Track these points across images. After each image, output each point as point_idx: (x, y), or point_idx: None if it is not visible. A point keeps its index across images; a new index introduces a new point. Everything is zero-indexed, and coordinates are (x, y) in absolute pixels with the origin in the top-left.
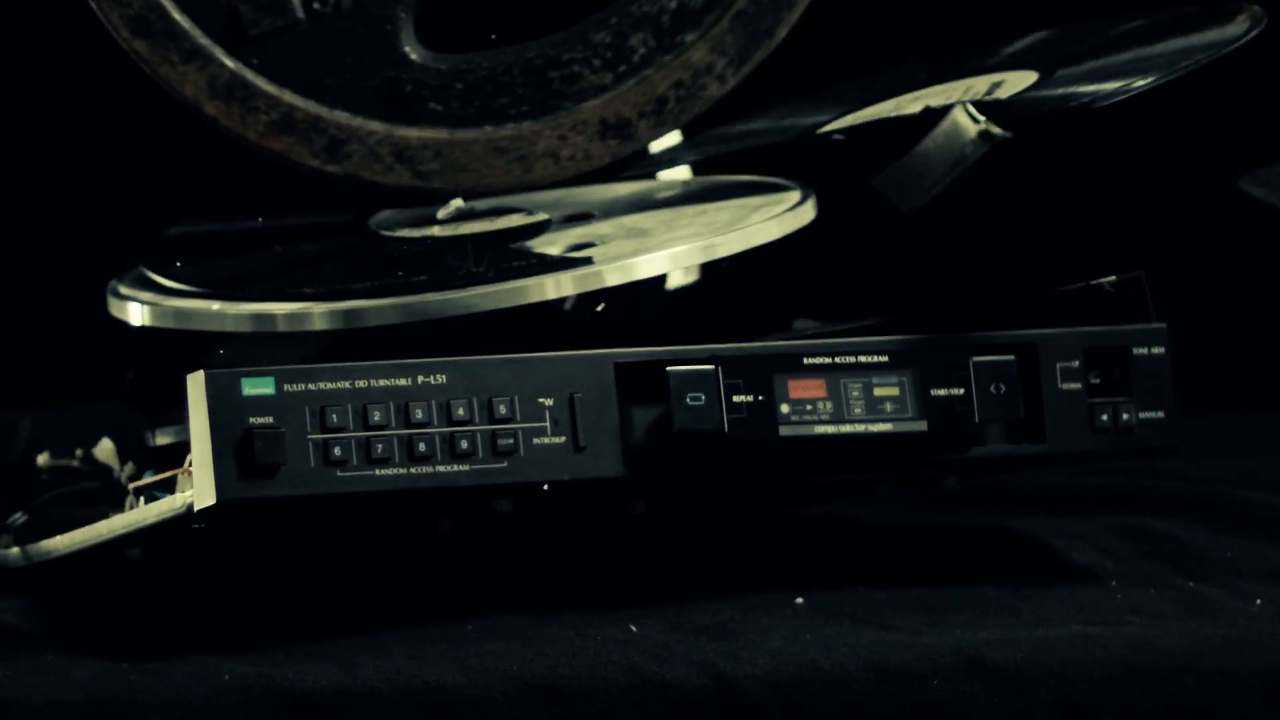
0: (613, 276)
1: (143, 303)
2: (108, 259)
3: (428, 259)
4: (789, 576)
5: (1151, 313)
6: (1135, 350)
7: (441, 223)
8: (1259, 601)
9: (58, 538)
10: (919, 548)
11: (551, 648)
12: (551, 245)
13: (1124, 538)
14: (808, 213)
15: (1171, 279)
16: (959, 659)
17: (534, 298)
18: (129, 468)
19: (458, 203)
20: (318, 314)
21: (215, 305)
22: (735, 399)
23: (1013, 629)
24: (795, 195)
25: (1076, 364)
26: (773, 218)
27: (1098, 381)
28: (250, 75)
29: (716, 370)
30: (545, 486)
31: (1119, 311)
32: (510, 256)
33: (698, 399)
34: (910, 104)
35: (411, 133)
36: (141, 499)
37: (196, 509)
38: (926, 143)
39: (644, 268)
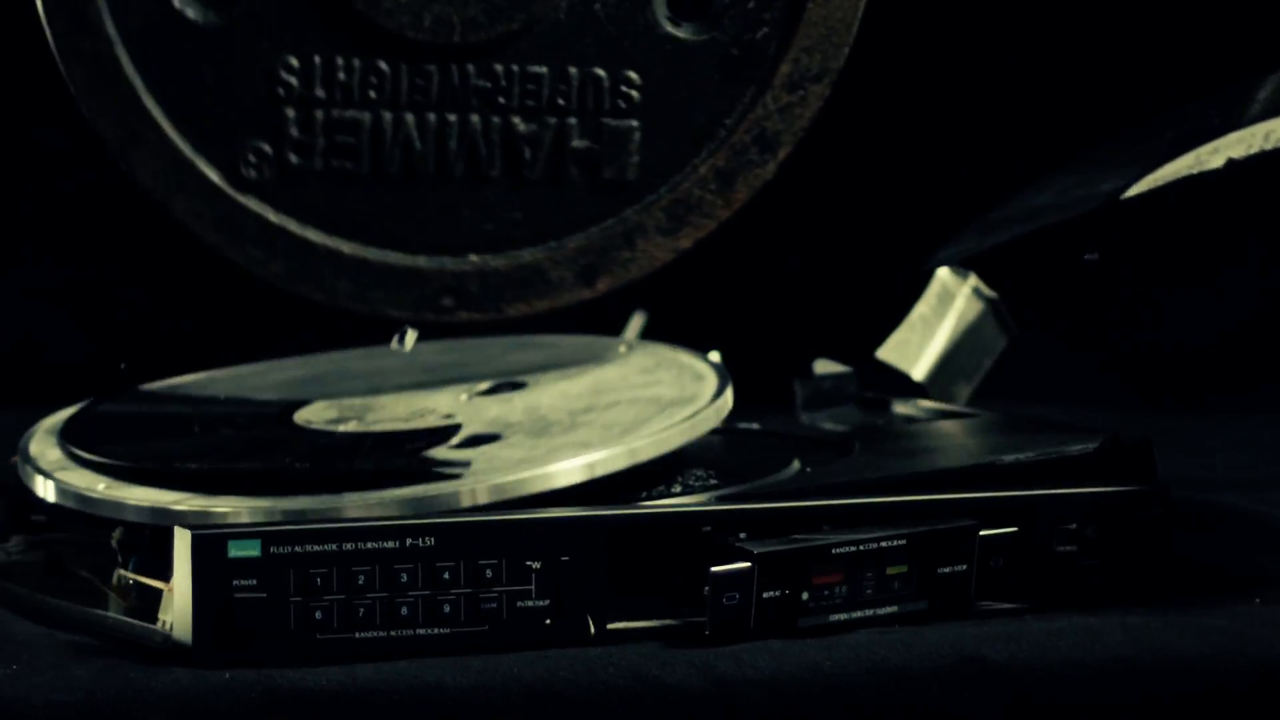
0: (466, 499)
1: (44, 474)
2: (109, 258)
3: (325, 453)
4: None
5: (1157, 474)
6: (1135, 514)
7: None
8: (1258, 600)
9: (42, 596)
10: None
11: (551, 650)
12: (454, 436)
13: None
14: (724, 407)
15: (1171, 279)
16: (959, 661)
17: (384, 513)
18: (119, 531)
19: (411, 335)
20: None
21: (101, 485)
22: (765, 595)
23: (1013, 630)
24: (711, 385)
25: (1074, 526)
26: (675, 425)
27: (1094, 538)
28: (642, 215)
29: (754, 569)
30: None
31: (1124, 469)
32: (401, 452)
33: (733, 598)
34: (1210, 157)
35: (774, 81)
36: (127, 585)
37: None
38: (920, 308)
39: (507, 489)
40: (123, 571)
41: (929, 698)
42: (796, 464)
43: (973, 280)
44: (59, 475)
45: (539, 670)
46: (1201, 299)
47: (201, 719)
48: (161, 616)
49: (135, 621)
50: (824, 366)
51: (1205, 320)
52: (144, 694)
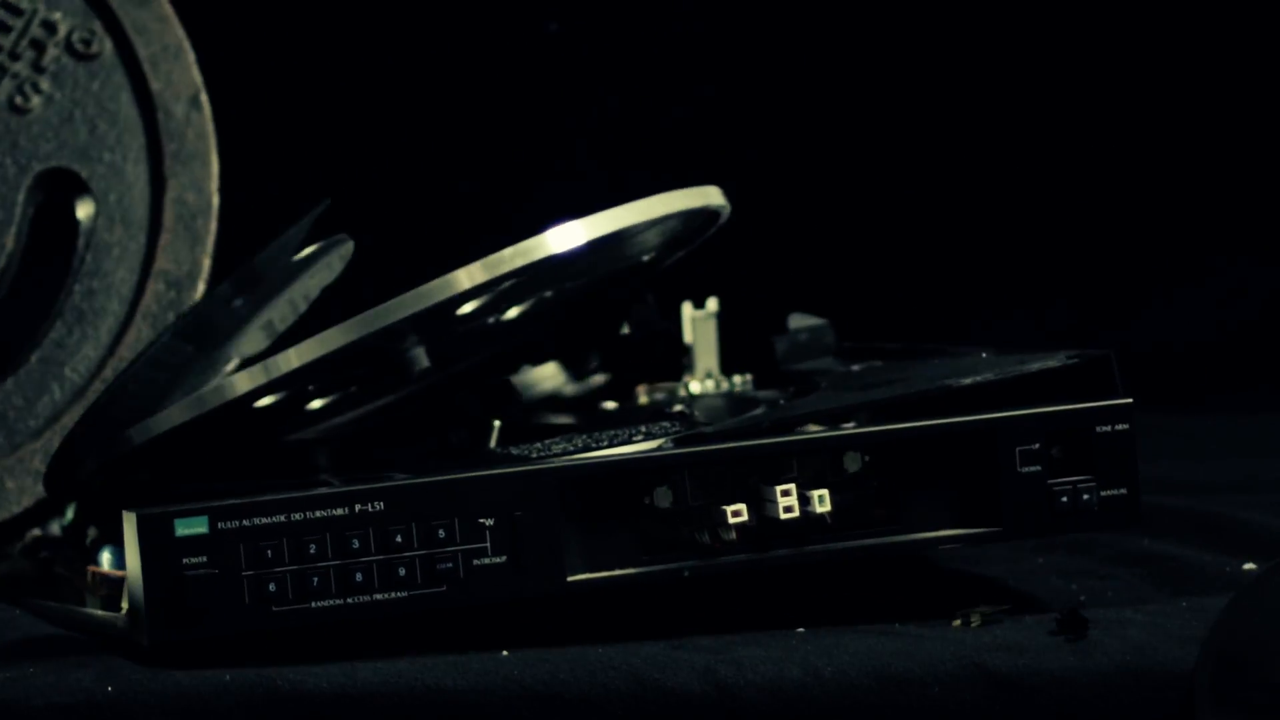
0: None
1: None
2: None
3: None
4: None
5: (1119, 389)
6: (1099, 429)
7: None
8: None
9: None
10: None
11: (553, 653)
12: None
13: (1122, 559)
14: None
15: (1171, 279)
16: (960, 665)
17: None
18: (93, 530)
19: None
20: None
21: None
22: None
23: (1014, 635)
24: None
25: (1037, 446)
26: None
27: (1059, 457)
28: None
29: None
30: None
31: (1085, 386)
32: None
33: None
34: None
35: None
36: (96, 579)
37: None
38: None
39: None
40: (91, 567)
41: (930, 701)
42: (762, 408)
43: None
44: None
45: (540, 672)
46: (1201, 298)
47: (201, 719)
48: (122, 604)
49: (98, 611)
50: (799, 320)
51: (1205, 319)
52: (144, 695)
